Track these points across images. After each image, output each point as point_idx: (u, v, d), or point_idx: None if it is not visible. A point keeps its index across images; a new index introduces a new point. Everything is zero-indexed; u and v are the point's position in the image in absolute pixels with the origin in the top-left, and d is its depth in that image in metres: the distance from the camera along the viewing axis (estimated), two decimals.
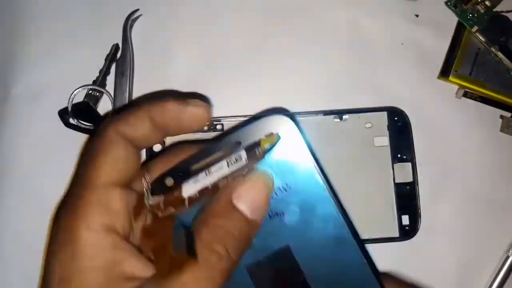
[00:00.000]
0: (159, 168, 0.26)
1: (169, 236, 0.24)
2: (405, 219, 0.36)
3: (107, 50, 0.38)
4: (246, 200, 0.24)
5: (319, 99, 0.37)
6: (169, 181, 0.25)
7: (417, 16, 0.39)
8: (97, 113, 0.37)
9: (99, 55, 0.38)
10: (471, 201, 0.37)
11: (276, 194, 0.25)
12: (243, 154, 0.25)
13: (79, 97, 0.37)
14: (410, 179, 0.36)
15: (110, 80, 0.37)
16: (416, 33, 0.39)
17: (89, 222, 0.23)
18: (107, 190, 0.24)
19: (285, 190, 0.25)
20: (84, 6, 0.39)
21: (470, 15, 0.38)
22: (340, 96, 0.38)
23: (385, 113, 0.37)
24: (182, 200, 0.24)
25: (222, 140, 0.25)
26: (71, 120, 0.37)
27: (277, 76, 0.38)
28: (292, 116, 0.28)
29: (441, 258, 0.37)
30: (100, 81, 0.37)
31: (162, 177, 0.25)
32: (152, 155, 0.36)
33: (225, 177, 0.24)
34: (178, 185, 0.25)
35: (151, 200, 0.25)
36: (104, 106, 0.38)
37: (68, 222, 0.23)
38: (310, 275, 0.25)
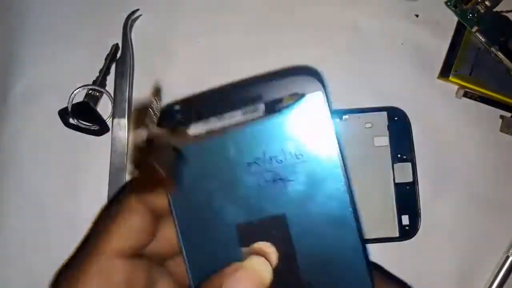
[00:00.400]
0: None
1: (162, 158, 0.23)
2: (405, 219, 0.36)
3: (107, 50, 0.38)
4: None
5: None
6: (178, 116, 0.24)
7: (417, 16, 0.39)
8: (97, 113, 0.37)
9: (99, 55, 0.38)
10: (471, 201, 0.37)
11: (286, 158, 0.23)
12: (261, 106, 0.24)
13: (79, 97, 0.37)
14: (410, 179, 0.36)
15: (110, 80, 0.37)
16: (416, 33, 0.39)
17: None
18: (112, 261, 0.23)
19: (296, 157, 0.23)
20: (84, 6, 0.39)
21: (470, 15, 0.38)
22: (340, 96, 0.38)
23: (385, 113, 0.37)
24: (186, 135, 0.24)
25: (241, 90, 0.24)
26: (71, 120, 0.37)
27: None
28: (322, 81, 0.28)
29: (441, 258, 0.37)
30: (100, 81, 0.37)
31: (171, 111, 0.24)
32: None
33: (238, 124, 0.23)
34: (187, 123, 0.24)
35: (154, 129, 0.24)
36: (104, 106, 0.38)
37: None
38: (300, 249, 0.24)
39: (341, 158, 0.24)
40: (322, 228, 0.24)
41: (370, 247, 0.36)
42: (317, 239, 0.24)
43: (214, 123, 0.24)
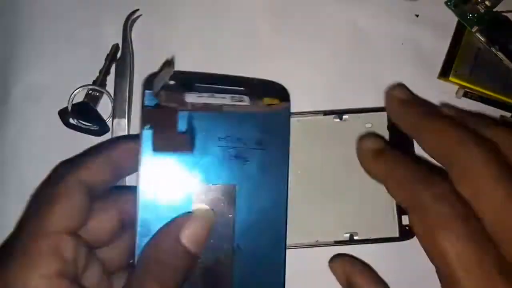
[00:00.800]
0: (96, 166, 0.27)
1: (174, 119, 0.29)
2: (405, 219, 0.36)
3: (107, 50, 0.38)
4: (192, 238, 0.27)
5: (319, 99, 0.37)
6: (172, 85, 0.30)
7: (417, 16, 0.39)
8: (97, 113, 0.37)
9: (99, 55, 0.38)
10: None
11: (249, 143, 0.30)
12: (246, 98, 0.31)
13: (79, 97, 0.37)
14: None
15: (110, 80, 0.37)
16: (416, 33, 0.39)
17: (42, 271, 0.23)
18: (59, 238, 0.24)
19: (258, 145, 0.30)
20: (84, 6, 0.39)
21: (470, 15, 0.38)
22: (340, 96, 0.38)
23: (385, 113, 0.37)
24: (185, 103, 0.29)
25: (227, 82, 0.32)
26: (71, 120, 0.37)
27: (277, 76, 0.38)
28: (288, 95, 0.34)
29: None
30: (100, 81, 0.37)
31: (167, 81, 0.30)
32: None
33: (226, 105, 0.30)
34: (181, 92, 0.30)
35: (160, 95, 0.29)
36: (104, 106, 0.38)
37: (19, 272, 0.23)
38: (239, 216, 0.30)
39: (288, 158, 0.31)
40: (261, 204, 0.30)
41: (370, 247, 0.36)
42: (255, 212, 0.30)
43: (205, 99, 0.30)
